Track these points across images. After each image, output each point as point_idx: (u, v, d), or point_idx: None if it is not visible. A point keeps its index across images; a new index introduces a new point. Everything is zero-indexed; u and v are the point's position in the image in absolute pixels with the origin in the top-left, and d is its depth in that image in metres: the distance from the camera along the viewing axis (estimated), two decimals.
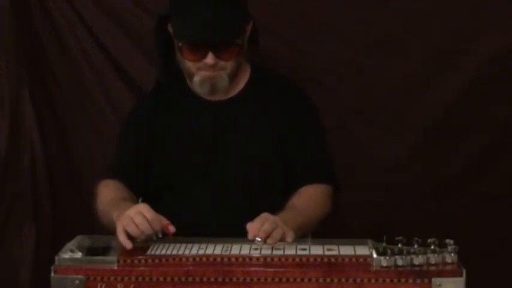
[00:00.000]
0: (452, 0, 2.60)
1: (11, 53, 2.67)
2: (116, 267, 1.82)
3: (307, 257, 1.82)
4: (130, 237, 1.91)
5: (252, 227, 1.90)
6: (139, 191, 2.26)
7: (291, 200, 2.14)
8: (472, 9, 2.59)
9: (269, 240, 1.88)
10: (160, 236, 1.93)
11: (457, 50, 2.62)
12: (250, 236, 1.88)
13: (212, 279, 1.79)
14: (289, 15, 2.64)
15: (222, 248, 1.88)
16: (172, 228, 1.95)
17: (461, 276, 1.75)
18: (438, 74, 2.63)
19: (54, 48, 2.71)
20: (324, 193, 2.22)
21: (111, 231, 1.98)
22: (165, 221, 1.95)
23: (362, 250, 1.84)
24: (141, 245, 1.92)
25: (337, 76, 2.67)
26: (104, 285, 1.81)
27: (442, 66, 2.63)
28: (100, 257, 1.86)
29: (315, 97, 2.38)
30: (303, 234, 2.03)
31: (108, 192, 2.19)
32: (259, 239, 1.88)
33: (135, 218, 1.91)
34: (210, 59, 2.16)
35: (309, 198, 2.17)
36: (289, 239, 1.92)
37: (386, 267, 1.76)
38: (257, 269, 1.79)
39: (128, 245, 1.89)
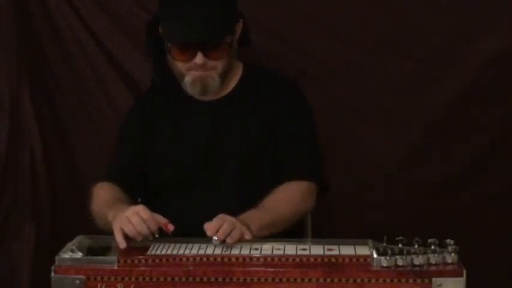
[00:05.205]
0: (452, 0, 2.60)
1: (11, 53, 2.67)
2: (116, 267, 1.82)
3: (308, 257, 1.82)
4: (127, 237, 1.91)
5: (209, 226, 1.91)
6: (135, 193, 2.27)
7: (265, 198, 2.14)
8: (472, 9, 2.58)
9: (228, 240, 1.89)
10: (157, 236, 1.94)
11: (457, 50, 2.62)
12: (209, 234, 1.90)
13: (212, 279, 1.79)
14: (289, 15, 2.64)
15: (222, 248, 1.88)
16: (171, 227, 1.95)
17: (461, 276, 1.75)
18: (438, 74, 2.63)
19: (54, 48, 2.71)
20: (302, 191, 2.22)
21: (108, 233, 1.98)
22: (163, 220, 1.96)
23: (362, 250, 1.84)
24: (140, 245, 1.92)
25: (337, 76, 2.67)
26: (104, 285, 1.81)
27: (442, 66, 2.63)
28: (100, 257, 1.86)
29: (315, 97, 2.39)
30: (275, 232, 2.07)
31: (103, 194, 2.20)
32: (217, 239, 1.89)
33: (132, 218, 1.92)
34: (199, 58, 2.17)
35: (284, 196, 2.17)
36: (247, 237, 1.93)
37: (386, 267, 1.76)
38: (257, 269, 1.79)
39: (122, 244, 1.89)
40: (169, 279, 1.80)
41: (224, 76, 2.25)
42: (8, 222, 2.71)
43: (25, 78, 2.69)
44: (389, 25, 2.62)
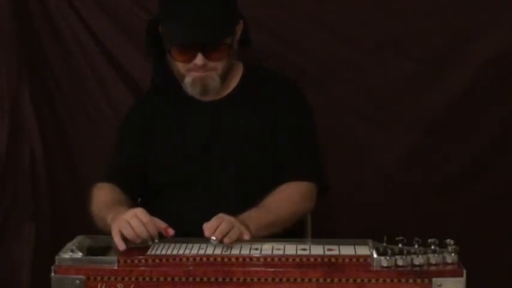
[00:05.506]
0: (452, 0, 2.60)
1: (11, 53, 2.67)
2: (116, 267, 1.82)
3: (308, 257, 1.82)
4: (125, 240, 1.91)
5: (207, 226, 1.91)
6: (135, 194, 2.27)
7: (265, 198, 2.14)
8: (472, 9, 2.59)
9: (226, 240, 1.89)
10: (156, 240, 1.94)
11: (457, 50, 2.62)
12: (206, 235, 1.90)
13: (212, 279, 1.79)
14: (289, 15, 2.64)
15: (222, 248, 1.88)
16: (171, 231, 1.95)
17: (461, 276, 1.75)
18: (438, 74, 2.63)
19: (54, 48, 2.71)
20: (302, 191, 2.22)
21: (107, 234, 1.98)
22: (163, 224, 1.96)
23: (362, 250, 1.84)
24: (140, 245, 1.92)
25: (337, 76, 2.67)
26: (104, 285, 1.81)
27: (442, 66, 2.63)
28: (100, 257, 1.86)
29: (315, 97, 2.39)
30: (274, 232, 2.07)
31: (102, 195, 2.20)
32: (215, 238, 1.89)
33: (131, 221, 1.92)
34: (199, 60, 2.18)
35: (283, 197, 2.17)
36: (246, 237, 1.93)
37: (386, 267, 1.76)
38: (257, 269, 1.79)
39: (121, 246, 1.89)
40: (169, 279, 1.80)
41: (224, 76, 2.25)
42: (8, 222, 2.71)
43: (25, 78, 2.69)
44: (389, 25, 2.62)
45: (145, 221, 1.92)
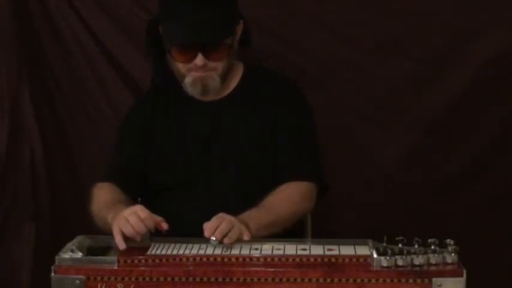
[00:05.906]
0: (452, 0, 2.60)
1: (11, 53, 2.67)
2: (116, 267, 1.82)
3: (308, 257, 1.82)
4: (126, 238, 1.91)
5: (208, 226, 1.91)
6: (135, 194, 2.27)
7: (265, 198, 2.14)
8: (472, 9, 2.58)
9: (225, 240, 1.89)
10: (153, 231, 1.94)
11: (457, 50, 2.62)
12: (206, 235, 1.90)
13: (212, 279, 1.79)
14: (289, 15, 2.65)
15: (222, 248, 1.88)
16: (165, 225, 1.96)
17: (461, 276, 1.75)
18: (438, 74, 2.63)
19: (54, 48, 2.71)
20: (302, 191, 2.22)
21: (107, 233, 1.98)
22: (158, 219, 1.96)
23: (362, 250, 1.84)
24: (141, 245, 1.92)
25: (337, 76, 2.67)
26: (104, 285, 1.81)
27: (442, 66, 2.63)
28: (100, 257, 1.86)
29: (315, 97, 2.39)
30: (274, 232, 2.07)
31: (102, 195, 2.21)
32: (214, 239, 1.89)
33: (129, 218, 1.92)
34: (199, 60, 2.18)
35: (283, 197, 2.18)
36: (245, 237, 1.93)
37: (386, 267, 1.76)
38: (257, 269, 1.79)
39: (122, 245, 1.89)
40: (169, 279, 1.80)
41: (224, 76, 2.26)
42: (8, 222, 2.71)
43: (25, 78, 2.69)
44: (389, 25, 2.62)
45: (143, 217, 1.92)
